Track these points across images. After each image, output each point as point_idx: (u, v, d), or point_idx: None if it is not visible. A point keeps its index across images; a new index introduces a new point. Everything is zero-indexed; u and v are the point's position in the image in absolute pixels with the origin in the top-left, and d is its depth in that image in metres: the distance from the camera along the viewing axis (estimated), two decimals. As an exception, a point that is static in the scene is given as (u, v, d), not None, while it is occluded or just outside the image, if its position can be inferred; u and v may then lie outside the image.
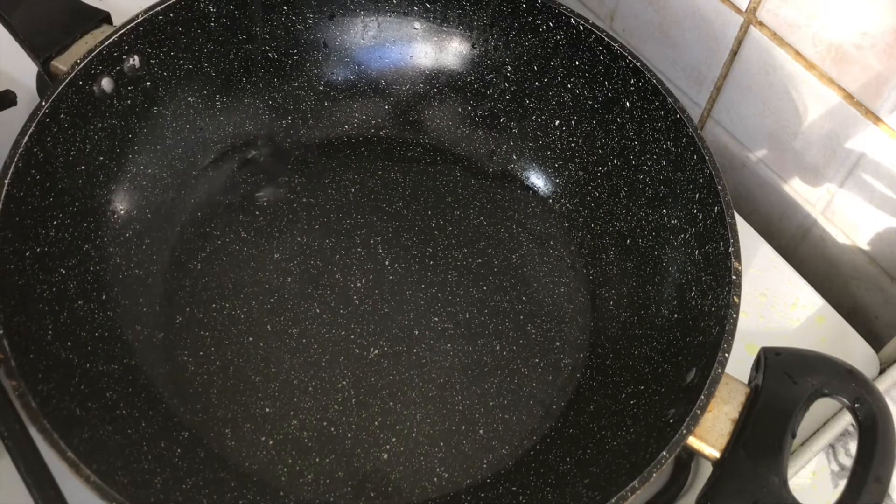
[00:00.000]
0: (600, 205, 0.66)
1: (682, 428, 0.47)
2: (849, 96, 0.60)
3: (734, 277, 0.52)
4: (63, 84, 0.56)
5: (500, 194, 0.68)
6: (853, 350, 0.64)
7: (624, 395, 0.57)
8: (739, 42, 0.66)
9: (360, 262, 0.63)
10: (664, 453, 0.47)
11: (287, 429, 0.56)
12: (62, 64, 0.59)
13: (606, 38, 0.62)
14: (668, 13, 0.71)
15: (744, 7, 0.63)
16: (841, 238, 0.68)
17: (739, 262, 0.52)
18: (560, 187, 0.67)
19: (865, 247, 0.67)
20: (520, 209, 0.67)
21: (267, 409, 0.57)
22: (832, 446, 0.60)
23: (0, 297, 0.49)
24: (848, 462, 0.59)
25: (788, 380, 0.49)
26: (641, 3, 0.73)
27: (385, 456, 0.56)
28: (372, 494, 0.54)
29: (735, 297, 0.51)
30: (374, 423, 0.57)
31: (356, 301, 0.62)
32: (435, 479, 0.55)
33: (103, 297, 0.58)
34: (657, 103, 0.60)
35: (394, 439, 0.56)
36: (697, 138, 0.57)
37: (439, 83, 0.70)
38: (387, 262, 0.64)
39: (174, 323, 0.59)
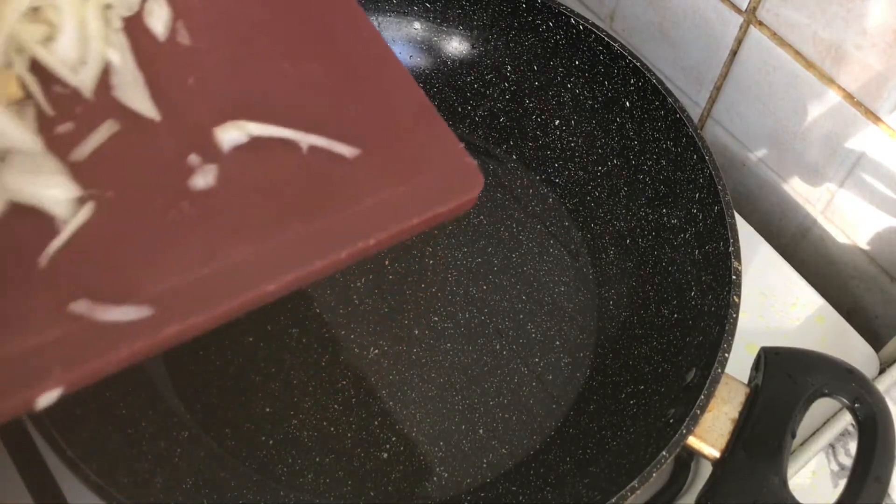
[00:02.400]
0: (600, 204, 0.66)
1: (682, 428, 0.47)
2: (849, 96, 0.60)
3: (734, 277, 0.52)
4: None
5: (499, 194, 0.68)
6: (853, 350, 0.64)
7: (624, 395, 0.57)
8: (739, 42, 0.66)
9: (360, 262, 0.63)
10: (664, 453, 0.47)
11: (287, 429, 0.56)
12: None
13: (606, 38, 0.62)
14: (667, 13, 0.71)
15: (744, 7, 0.63)
16: (841, 238, 0.68)
17: (739, 261, 0.52)
18: (560, 187, 0.67)
19: (865, 246, 0.67)
20: (519, 208, 0.67)
21: (267, 409, 0.57)
22: (832, 446, 0.60)
23: None
24: (848, 462, 0.59)
25: (788, 380, 0.49)
26: (641, 2, 0.73)
27: (385, 455, 0.56)
28: (372, 494, 0.54)
29: (735, 297, 0.51)
30: (374, 423, 0.57)
31: (356, 301, 0.62)
32: (435, 479, 0.55)
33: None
34: (657, 103, 0.60)
35: (394, 439, 0.56)
36: (697, 138, 0.57)
37: (439, 83, 0.70)
38: (387, 262, 0.64)
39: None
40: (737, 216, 0.57)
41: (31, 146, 0.37)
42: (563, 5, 0.63)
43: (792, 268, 0.68)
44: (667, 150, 0.60)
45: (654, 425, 0.52)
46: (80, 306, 0.33)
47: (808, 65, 0.61)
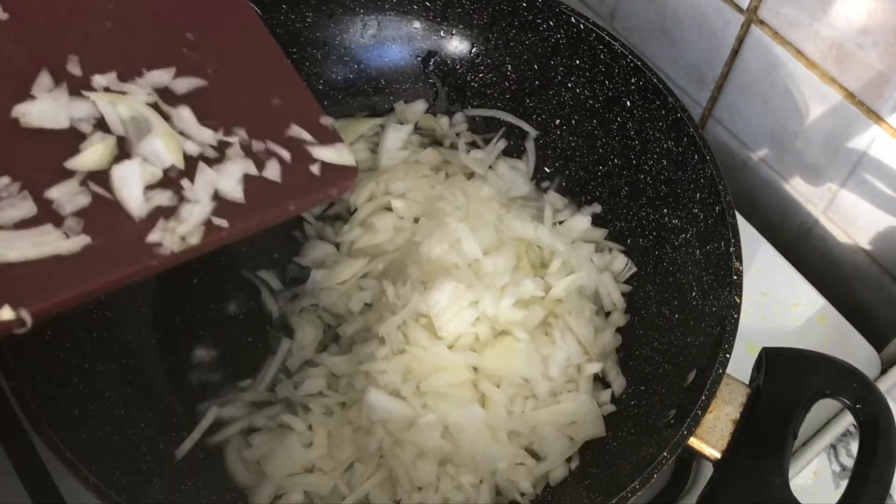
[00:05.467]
0: (601, 204, 0.65)
1: (683, 429, 0.47)
2: (850, 95, 0.60)
3: (735, 277, 0.52)
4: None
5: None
6: (855, 350, 0.64)
7: (625, 396, 0.57)
8: (741, 41, 0.66)
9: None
10: (665, 454, 0.47)
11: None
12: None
13: (607, 37, 0.62)
14: (668, 12, 0.70)
15: (745, 6, 0.63)
16: (842, 238, 0.68)
17: (741, 261, 0.52)
18: (560, 187, 0.67)
19: (867, 246, 0.66)
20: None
21: (266, 410, 0.57)
22: (833, 447, 0.59)
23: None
24: (849, 462, 0.59)
25: (790, 380, 0.49)
26: (642, 1, 0.73)
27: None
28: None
29: (736, 297, 0.51)
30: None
31: (356, 301, 0.62)
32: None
33: (102, 296, 0.57)
34: (658, 102, 0.60)
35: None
36: (698, 138, 0.57)
37: (439, 82, 0.70)
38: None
39: (173, 322, 0.59)
40: (738, 216, 0.56)
41: None
42: (563, 4, 0.63)
43: (793, 268, 0.67)
44: (668, 150, 0.60)
45: (655, 426, 0.52)
46: None
47: (810, 64, 0.61)
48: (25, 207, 0.38)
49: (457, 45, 0.69)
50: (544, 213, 0.64)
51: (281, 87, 0.46)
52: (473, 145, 0.68)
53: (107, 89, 0.42)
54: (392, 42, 0.69)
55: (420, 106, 0.69)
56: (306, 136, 0.45)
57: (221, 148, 0.43)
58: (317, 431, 0.54)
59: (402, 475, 0.53)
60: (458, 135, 0.69)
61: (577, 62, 0.64)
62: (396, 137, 0.67)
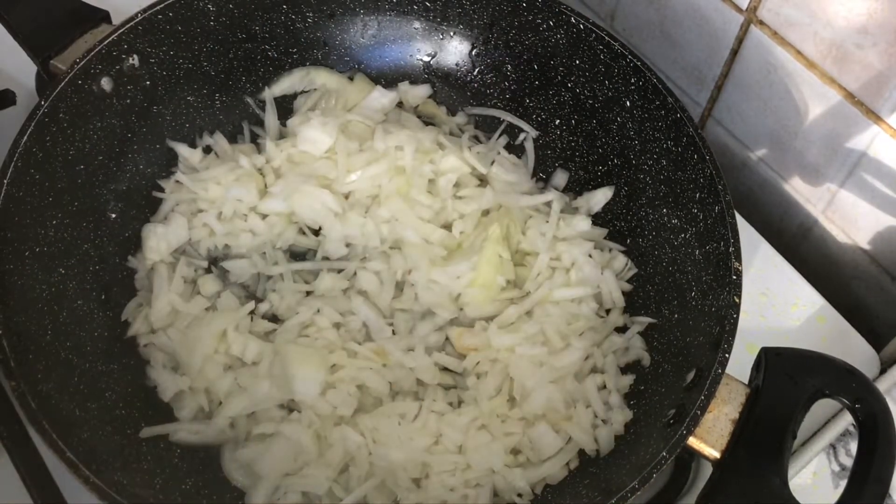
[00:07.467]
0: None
1: (683, 428, 0.47)
2: (849, 95, 0.60)
3: (734, 277, 0.52)
4: (62, 83, 0.56)
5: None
6: (854, 350, 0.64)
7: (624, 395, 0.57)
8: (740, 41, 0.66)
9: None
10: (664, 454, 0.47)
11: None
12: (61, 63, 0.59)
13: (607, 38, 0.62)
14: (668, 12, 0.71)
15: (744, 6, 0.63)
16: (842, 237, 0.68)
17: (740, 261, 0.52)
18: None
19: (866, 246, 0.67)
20: (520, 208, 0.67)
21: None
22: (833, 446, 0.59)
23: (-1, 297, 0.49)
24: (849, 462, 0.59)
25: (789, 380, 0.49)
26: (642, 1, 0.73)
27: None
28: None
29: (735, 297, 0.51)
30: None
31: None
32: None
33: (103, 296, 0.57)
34: (657, 102, 0.60)
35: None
36: (698, 138, 0.57)
37: (439, 82, 0.70)
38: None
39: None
40: (737, 216, 0.56)
41: None
42: (563, 4, 0.63)
43: (793, 268, 0.68)
44: (667, 150, 0.60)
45: (655, 426, 0.52)
46: None
47: (809, 64, 0.61)
48: None
49: (457, 45, 0.69)
50: (551, 211, 0.63)
51: None
52: (475, 140, 0.68)
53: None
54: (392, 42, 0.69)
55: (423, 90, 0.69)
56: None
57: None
58: (304, 433, 0.54)
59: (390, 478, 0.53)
60: (459, 127, 0.69)
61: (577, 62, 0.64)
62: (378, 99, 0.67)
